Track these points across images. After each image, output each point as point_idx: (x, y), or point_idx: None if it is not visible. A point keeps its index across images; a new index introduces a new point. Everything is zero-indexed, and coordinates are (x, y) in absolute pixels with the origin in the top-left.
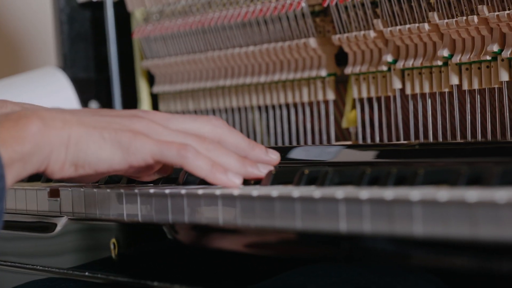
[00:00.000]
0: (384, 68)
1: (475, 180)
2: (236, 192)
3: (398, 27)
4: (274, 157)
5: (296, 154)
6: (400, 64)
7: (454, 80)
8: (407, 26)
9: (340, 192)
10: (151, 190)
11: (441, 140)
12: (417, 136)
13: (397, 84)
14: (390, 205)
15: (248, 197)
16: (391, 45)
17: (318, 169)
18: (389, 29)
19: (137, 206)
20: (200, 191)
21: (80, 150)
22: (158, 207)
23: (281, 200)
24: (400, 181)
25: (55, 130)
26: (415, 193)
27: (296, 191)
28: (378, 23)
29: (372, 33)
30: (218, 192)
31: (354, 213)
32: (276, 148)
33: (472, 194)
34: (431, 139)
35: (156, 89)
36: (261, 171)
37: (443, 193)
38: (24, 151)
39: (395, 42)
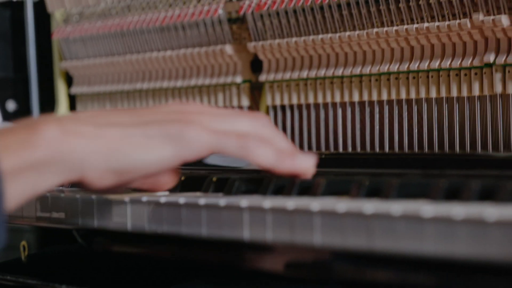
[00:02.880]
0: (298, 76)
1: (375, 192)
2: (145, 198)
3: (321, 36)
4: (311, 169)
5: (212, 160)
6: (312, 74)
7: (365, 92)
8: (329, 35)
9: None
10: (62, 195)
11: (350, 150)
12: (327, 146)
13: (312, 93)
14: (291, 215)
15: (156, 202)
16: (308, 54)
17: (227, 176)
18: (311, 37)
19: (48, 208)
20: (111, 197)
21: (123, 155)
22: (69, 211)
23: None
24: (304, 191)
25: (83, 138)
26: (315, 204)
27: (202, 200)
28: (299, 31)
29: (286, 42)
30: (127, 199)
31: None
32: None
33: (369, 206)
34: (341, 149)
35: (74, 90)
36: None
37: (341, 205)
38: (35, 158)
39: (308, 51)
